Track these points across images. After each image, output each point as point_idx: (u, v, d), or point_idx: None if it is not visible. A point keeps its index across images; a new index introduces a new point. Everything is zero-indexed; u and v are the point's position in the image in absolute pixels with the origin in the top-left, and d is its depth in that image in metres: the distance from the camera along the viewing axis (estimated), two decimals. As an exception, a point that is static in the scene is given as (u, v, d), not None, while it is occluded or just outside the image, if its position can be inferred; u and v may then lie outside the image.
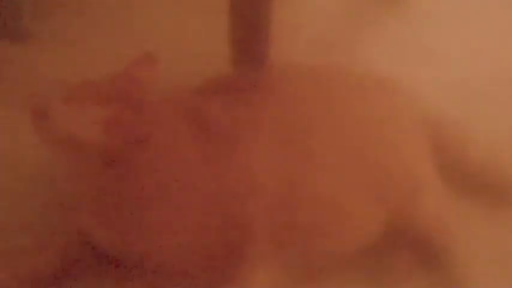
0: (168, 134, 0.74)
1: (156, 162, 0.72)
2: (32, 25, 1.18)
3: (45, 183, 0.93)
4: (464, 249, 0.84)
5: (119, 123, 0.70)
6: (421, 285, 0.82)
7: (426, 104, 0.95)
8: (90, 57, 1.14)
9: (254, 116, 0.80)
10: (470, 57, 1.20)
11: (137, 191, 0.72)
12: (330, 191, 0.78)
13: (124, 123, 0.70)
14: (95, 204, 0.74)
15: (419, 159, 0.86)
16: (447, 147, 0.93)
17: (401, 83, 0.94)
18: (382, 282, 0.82)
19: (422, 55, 1.19)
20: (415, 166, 0.85)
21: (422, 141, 0.88)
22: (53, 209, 0.88)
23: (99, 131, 0.70)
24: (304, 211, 0.76)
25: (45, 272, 0.79)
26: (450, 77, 1.14)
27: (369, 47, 1.20)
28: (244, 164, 0.76)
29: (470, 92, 1.11)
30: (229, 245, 0.74)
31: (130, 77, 0.77)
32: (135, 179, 0.71)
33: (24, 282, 0.78)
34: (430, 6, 1.30)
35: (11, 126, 1.01)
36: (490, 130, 1.00)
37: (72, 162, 0.75)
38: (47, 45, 1.16)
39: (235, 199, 0.74)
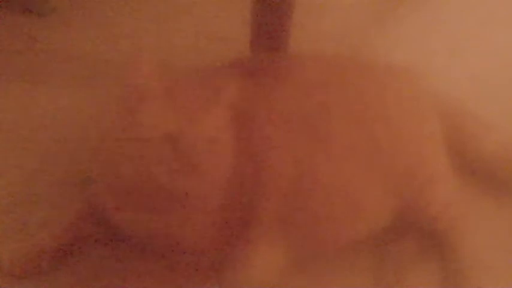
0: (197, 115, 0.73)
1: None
2: (58, 3, 1.20)
3: (59, 157, 0.94)
4: (471, 240, 0.85)
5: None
6: (425, 273, 0.84)
7: (442, 94, 0.96)
8: (109, 37, 1.16)
9: (270, 98, 0.80)
10: (491, 50, 1.20)
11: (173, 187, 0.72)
12: (342, 178, 0.79)
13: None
14: (126, 187, 0.74)
15: (434, 149, 0.87)
16: (461, 138, 0.94)
17: (419, 73, 0.94)
18: (387, 269, 0.84)
19: (441, 46, 1.20)
20: (430, 156, 0.85)
21: (438, 131, 0.88)
22: (65, 184, 0.90)
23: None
24: (315, 196, 0.78)
25: (51, 246, 0.81)
26: (469, 69, 1.15)
27: (387, 37, 1.20)
28: (258, 145, 0.77)
29: (488, 84, 1.12)
30: (237, 222, 0.76)
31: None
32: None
33: (29, 256, 0.80)
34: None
35: (24, 98, 1.03)
36: (504, 123, 1.01)
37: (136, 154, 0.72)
38: (69, 23, 1.19)
39: (247, 178, 0.75)
